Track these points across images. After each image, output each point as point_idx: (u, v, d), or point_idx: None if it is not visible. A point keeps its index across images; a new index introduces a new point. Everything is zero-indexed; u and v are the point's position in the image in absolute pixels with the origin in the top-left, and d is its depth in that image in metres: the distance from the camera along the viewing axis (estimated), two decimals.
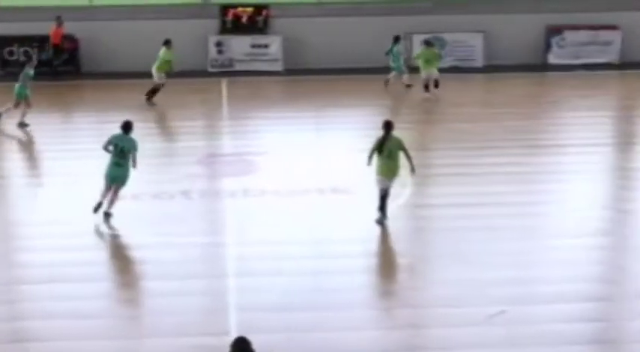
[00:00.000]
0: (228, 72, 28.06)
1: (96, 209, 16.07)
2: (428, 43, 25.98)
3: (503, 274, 14.05)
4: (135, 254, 15.39)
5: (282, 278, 13.84)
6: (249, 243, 15.27)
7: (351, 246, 15.15)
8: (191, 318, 12.61)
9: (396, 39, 26.35)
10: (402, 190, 17.05)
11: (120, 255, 15.15)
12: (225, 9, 29.22)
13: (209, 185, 18.48)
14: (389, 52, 26.18)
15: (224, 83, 27.06)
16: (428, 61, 25.22)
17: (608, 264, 14.65)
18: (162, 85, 24.84)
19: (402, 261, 15.04)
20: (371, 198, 16.37)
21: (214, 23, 29.04)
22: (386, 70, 26.26)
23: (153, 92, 24.87)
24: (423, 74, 25.16)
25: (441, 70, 25.81)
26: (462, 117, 23.32)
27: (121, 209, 16.42)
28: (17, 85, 22.64)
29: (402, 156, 15.89)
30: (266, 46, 28.82)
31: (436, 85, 25.23)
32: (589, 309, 13.04)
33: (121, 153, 16.04)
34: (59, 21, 27.91)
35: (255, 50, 28.83)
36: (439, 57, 26.00)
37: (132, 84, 26.28)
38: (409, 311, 13.00)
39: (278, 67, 28.67)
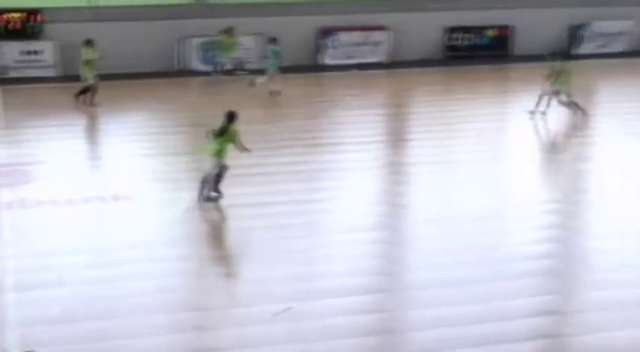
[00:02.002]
0: (1, 79, 27.12)
1: None
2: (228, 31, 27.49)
3: (288, 271, 14.38)
4: None
5: (64, 289, 13.62)
6: (28, 254, 14.89)
7: (135, 251, 15.07)
8: None
9: (272, 40, 26.74)
10: (189, 194, 17.13)
11: None
12: None
13: None
14: (270, 55, 26.52)
15: None
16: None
17: (384, 257, 15.29)
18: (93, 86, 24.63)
19: (187, 264, 15.09)
20: (153, 203, 16.36)
21: None
22: (162, 74, 26.22)
23: (85, 92, 24.65)
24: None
25: (218, 73, 26.30)
26: (244, 119, 23.48)
27: None
28: None
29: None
30: (39, 52, 28.06)
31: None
32: (369, 301, 13.57)
33: None
34: None
35: (29, 56, 28.02)
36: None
37: None
38: (196, 313, 13.10)
39: (53, 73, 27.99)
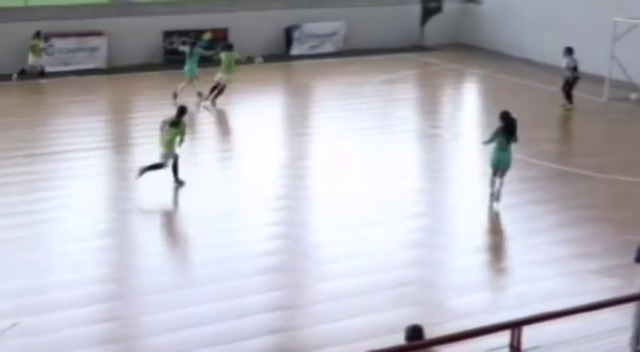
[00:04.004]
0: None
1: None
2: None
3: (14, 285, 13.95)
4: None
5: None
6: None
7: None
8: None
9: (193, 44, 25.76)
10: None
11: None
12: None
13: None
14: (190, 55, 25.42)
15: None
16: None
17: (115, 264, 15.19)
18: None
19: None
20: None
21: None
22: None
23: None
24: None
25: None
26: None
27: None
28: None
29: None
30: None
31: None
32: (102, 310, 13.43)
33: None
34: None
35: None
36: None
37: None
38: None
39: None
